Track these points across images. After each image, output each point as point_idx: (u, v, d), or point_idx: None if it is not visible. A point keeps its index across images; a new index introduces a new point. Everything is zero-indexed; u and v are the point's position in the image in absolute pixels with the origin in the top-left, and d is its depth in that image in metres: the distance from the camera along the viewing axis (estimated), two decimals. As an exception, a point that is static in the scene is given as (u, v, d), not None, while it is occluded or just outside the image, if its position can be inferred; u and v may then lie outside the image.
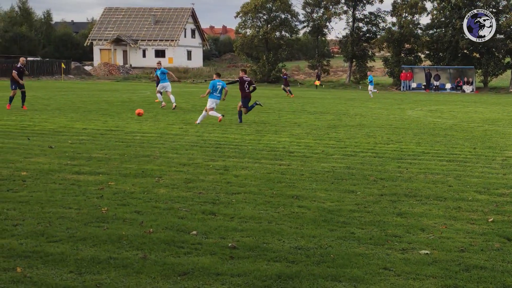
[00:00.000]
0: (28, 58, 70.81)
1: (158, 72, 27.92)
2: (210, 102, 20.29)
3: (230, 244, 6.81)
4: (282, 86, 42.32)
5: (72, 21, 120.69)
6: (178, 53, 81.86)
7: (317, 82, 60.38)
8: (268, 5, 66.51)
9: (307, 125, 20.66)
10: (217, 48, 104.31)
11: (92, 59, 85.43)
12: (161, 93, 27.30)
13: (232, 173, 11.23)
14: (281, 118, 23.30)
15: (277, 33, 67.76)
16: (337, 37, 69.44)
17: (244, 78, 21.38)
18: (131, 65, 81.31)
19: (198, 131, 17.83)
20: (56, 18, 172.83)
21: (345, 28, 72.43)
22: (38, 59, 74.83)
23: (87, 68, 78.21)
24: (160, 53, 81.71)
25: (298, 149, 14.75)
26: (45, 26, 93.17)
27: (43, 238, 6.92)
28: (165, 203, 8.70)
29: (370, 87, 43.57)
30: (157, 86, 28.68)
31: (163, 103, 26.71)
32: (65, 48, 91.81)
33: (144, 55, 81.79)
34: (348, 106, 31.28)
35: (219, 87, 20.29)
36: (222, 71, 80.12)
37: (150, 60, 78.71)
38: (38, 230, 7.20)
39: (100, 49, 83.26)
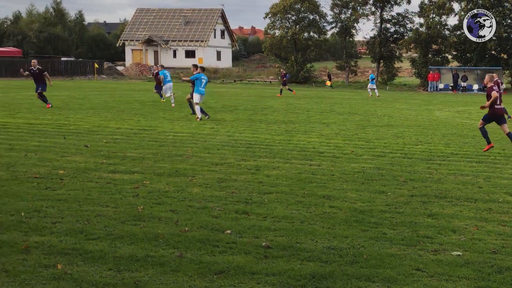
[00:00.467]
0: (62, 58, 72.25)
1: (167, 74, 29.12)
2: (198, 97, 20.85)
3: (264, 244, 6.92)
4: (281, 86, 42.23)
5: (105, 21, 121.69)
6: (207, 54, 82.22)
7: (328, 83, 60.27)
8: (296, 6, 66.48)
9: (336, 126, 20.71)
10: (246, 49, 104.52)
11: (124, 59, 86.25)
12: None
13: (264, 173, 11.36)
14: (310, 118, 23.36)
15: (306, 34, 67.63)
16: (364, 38, 68.94)
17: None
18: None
19: (229, 131, 17.99)
20: (88, 19, 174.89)
21: (372, 29, 72.12)
22: (72, 59, 75.92)
23: (119, 68, 78.98)
24: (190, 54, 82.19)
25: (327, 149, 14.83)
26: (79, 27, 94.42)
27: (81, 235, 7.10)
28: (199, 202, 8.86)
29: (370, 85, 42.60)
30: (157, 87, 30.42)
31: (173, 104, 27.29)
32: (98, 49, 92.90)
33: (174, 56, 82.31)
34: (376, 107, 31.17)
35: (204, 81, 20.96)
36: (251, 71, 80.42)
37: (181, 61, 79.29)
38: (76, 228, 7.39)
39: (132, 50, 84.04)
